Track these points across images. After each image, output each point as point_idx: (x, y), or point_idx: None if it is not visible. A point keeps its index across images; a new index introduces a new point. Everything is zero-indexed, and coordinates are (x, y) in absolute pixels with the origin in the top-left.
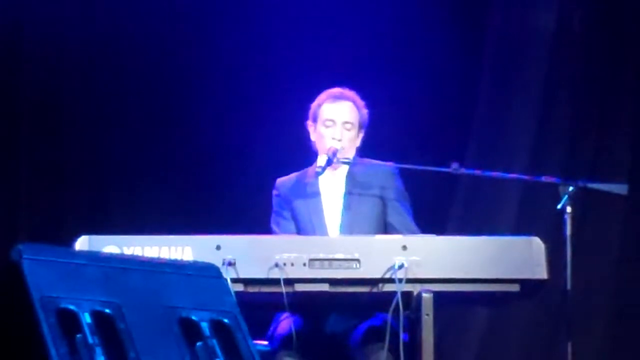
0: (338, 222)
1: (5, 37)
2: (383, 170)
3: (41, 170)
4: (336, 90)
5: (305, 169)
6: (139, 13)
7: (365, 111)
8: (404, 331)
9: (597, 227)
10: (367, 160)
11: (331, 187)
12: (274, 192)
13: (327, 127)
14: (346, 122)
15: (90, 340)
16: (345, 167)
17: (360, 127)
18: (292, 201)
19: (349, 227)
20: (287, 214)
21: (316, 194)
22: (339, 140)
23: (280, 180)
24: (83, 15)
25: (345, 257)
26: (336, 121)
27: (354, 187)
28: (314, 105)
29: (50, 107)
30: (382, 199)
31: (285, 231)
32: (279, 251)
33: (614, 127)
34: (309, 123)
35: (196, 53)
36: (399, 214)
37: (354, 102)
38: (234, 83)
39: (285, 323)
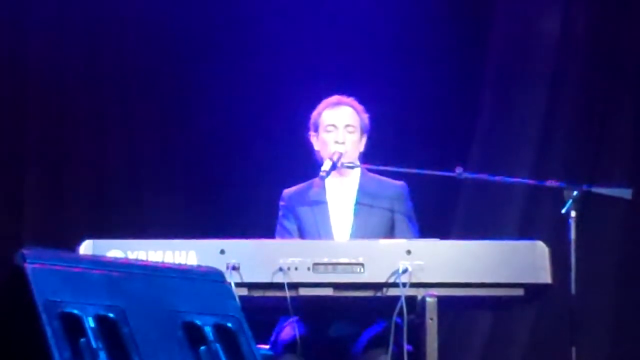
0: (347, 231)
1: (11, 41)
2: (395, 188)
3: (45, 174)
4: (334, 97)
5: (312, 180)
6: (142, 19)
7: (365, 115)
8: (408, 336)
9: (600, 231)
10: (377, 176)
11: (339, 195)
12: (281, 202)
13: (329, 132)
14: (348, 125)
15: (94, 344)
16: (354, 177)
17: (362, 131)
18: (298, 209)
19: (359, 236)
20: (291, 225)
21: (322, 202)
22: (342, 144)
23: (286, 191)
24: (88, 18)
25: (350, 262)
26: (338, 125)
27: (365, 197)
28: (313, 115)
29: (56, 111)
30: (392, 213)
31: None
32: (283, 255)
33: (617, 130)
34: (311, 133)
35: (203, 58)
36: (407, 232)
37: (353, 107)
38: (241, 88)
39: (289, 328)
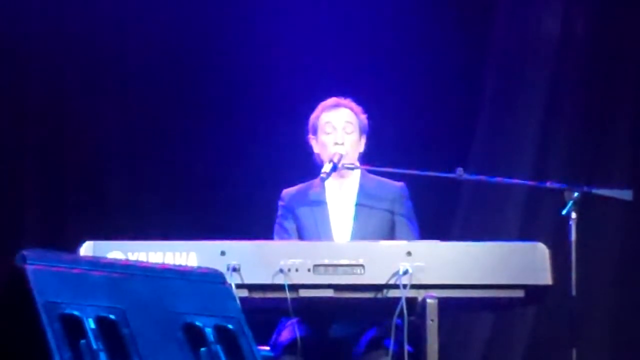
0: (348, 232)
1: (10, 42)
2: (395, 189)
3: (46, 176)
4: (332, 99)
5: (311, 181)
6: (143, 19)
7: (363, 116)
8: (408, 337)
9: (600, 232)
10: (377, 177)
11: (339, 196)
12: (280, 202)
13: (327, 133)
14: (347, 127)
15: (94, 345)
16: (354, 178)
17: (361, 132)
18: (297, 209)
19: (360, 237)
20: (290, 225)
21: (322, 202)
22: (342, 145)
23: (286, 191)
24: (88, 19)
25: (350, 263)
26: (336, 126)
27: (365, 198)
28: (312, 118)
29: (55, 112)
30: (392, 214)
31: None
32: (284, 257)
33: (617, 131)
34: (310, 137)
35: (202, 59)
36: (407, 233)
37: (352, 108)
38: (241, 88)
39: (289, 329)
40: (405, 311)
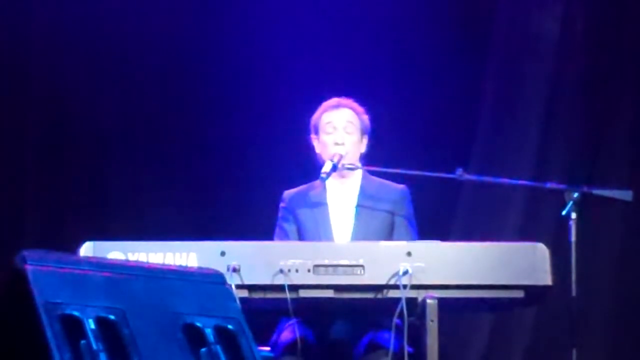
0: (348, 233)
1: (11, 44)
2: (396, 191)
3: (46, 176)
4: (334, 100)
5: (312, 182)
6: (144, 20)
7: (365, 117)
8: (408, 337)
9: (600, 233)
10: (378, 179)
11: (340, 197)
12: (281, 204)
13: (328, 133)
14: (347, 127)
15: (94, 346)
16: (355, 179)
17: (363, 132)
18: (298, 210)
19: (360, 239)
20: (290, 227)
21: (323, 204)
22: (342, 145)
23: (286, 192)
24: (89, 21)
25: (350, 263)
26: (337, 126)
27: (366, 200)
28: (314, 117)
29: (56, 113)
30: (392, 216)
31: None
32: (284, 257)
33: (617, 131)
34: (312, 136)
35: (203, 59)
36: (406, 235)
37: (353, 108)
38: (242, 89)
39: (289, 330)
40: (405, 311)
